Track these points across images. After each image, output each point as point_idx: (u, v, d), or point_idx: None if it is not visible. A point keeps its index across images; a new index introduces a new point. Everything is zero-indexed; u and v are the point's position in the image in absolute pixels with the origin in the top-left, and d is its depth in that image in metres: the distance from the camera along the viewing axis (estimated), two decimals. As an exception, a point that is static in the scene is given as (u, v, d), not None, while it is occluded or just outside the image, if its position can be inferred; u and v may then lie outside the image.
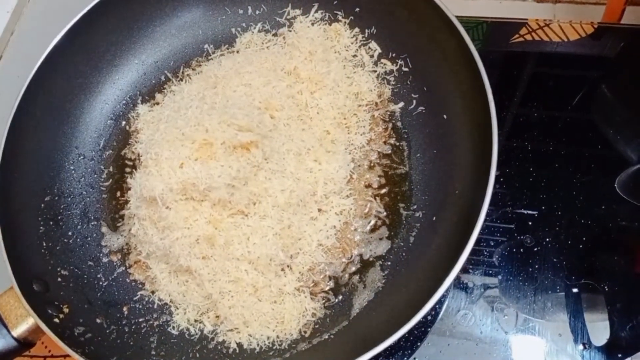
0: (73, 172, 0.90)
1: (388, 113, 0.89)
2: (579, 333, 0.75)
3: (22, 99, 0.83)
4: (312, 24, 0.94)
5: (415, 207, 0.81)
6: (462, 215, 0.73)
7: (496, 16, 1.03)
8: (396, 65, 0.91)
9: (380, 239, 0.81)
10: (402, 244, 0.80)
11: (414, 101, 0.88)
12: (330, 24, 0.94)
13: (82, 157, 0.91)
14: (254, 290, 0.76)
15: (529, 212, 0.84)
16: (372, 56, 0.92)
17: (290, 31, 0.94)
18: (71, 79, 0.91)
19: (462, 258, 0.66)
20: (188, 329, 0.78)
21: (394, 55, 0.91)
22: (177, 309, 0.79)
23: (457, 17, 0.79)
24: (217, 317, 0.77)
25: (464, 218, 0.71)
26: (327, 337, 0.74)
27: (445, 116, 0.83)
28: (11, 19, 1.01)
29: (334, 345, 0.73)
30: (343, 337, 0.74)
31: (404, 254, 0.79)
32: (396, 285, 0.76)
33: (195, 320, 0.78)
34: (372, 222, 0.82)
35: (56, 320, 0.74)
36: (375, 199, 0.83)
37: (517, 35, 1.00)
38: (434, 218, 0.78)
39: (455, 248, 0.67)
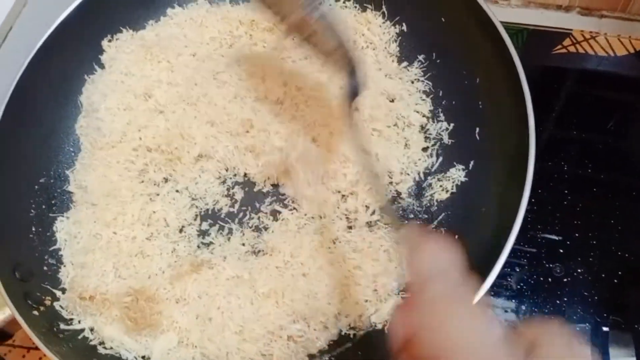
0: (73, 155, 0.84)
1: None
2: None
3: (23, 75, 0.79)
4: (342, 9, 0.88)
5: (436, 222, 0.74)
6: (486, 238, 0.66)
7: (538, 24, 0.95)
8: (423, 67, 0.84)
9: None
10: (419, 262, 0.72)
11: (442, 115, 0.81)
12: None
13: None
14: (239, 329, 0.67)
15: (561, 238, 0.77)
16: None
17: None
18: (76, 59, 0.86)
19: (483, 288, 0.58)
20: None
21: (422, 57, 0.84)
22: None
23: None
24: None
25: (489, 241, 0.64)
26: (327, 359, 0.68)
27: (478, 129, 0.76)
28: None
29: (334, 369, 0.67)
30: (344, 360, 0.67)
31: (419, 274, 0.71)
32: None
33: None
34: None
35: (35, 312, 0.68)
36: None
37: (559, 46, 0.93)
38: (456, 237, 0.71)
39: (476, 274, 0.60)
